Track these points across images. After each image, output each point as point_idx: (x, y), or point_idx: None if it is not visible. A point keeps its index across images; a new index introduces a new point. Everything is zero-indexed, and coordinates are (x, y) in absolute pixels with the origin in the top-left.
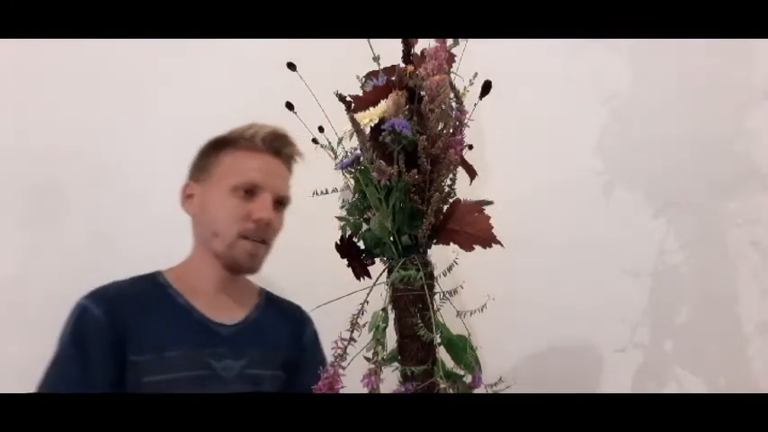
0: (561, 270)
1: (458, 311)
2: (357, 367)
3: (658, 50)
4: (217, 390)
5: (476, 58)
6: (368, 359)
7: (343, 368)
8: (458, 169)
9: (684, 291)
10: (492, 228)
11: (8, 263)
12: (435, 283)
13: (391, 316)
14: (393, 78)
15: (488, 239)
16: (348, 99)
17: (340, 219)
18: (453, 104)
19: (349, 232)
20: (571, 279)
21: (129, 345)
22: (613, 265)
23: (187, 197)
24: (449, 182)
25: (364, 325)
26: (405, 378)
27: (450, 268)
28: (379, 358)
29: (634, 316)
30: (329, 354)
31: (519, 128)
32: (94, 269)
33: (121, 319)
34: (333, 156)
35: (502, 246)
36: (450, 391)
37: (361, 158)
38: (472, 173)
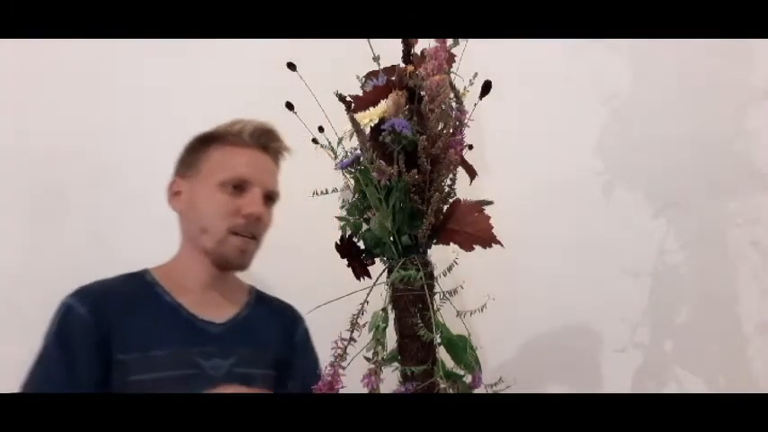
0: (561, 270)
1: (458, 311)
2: (357, 367)
3: (658, 50)
4: (205, 389)
5: (476, 58)
6: (368, 359)
7: (343, 368)
8: (458, 169)
9: (684, 291)
10: (492, 228)
11: (8, 262)
12: (435, 283)
13: (391, 316)
14: (393, 78)
15: (488, 239)
16: (348, 99)
17: (340, 219)
18: (453, 104)
19: (349, 232)
20: (571, 279)
21: (114, 343)
22: (613, 265)
23: (174, 194)
24: (449, 182)
25: (364, 325)
26: (405, 378)
27: (450, 268)
28: (379, 358)
29: (634, 316)
30: (329, 354)
31: (519, 128)
32: (94, 269)
33: (107, 318)
34: (333, 156)
35: (502, 246)
36: (450, 391)
37: (361, 158)
38: (472, 173)
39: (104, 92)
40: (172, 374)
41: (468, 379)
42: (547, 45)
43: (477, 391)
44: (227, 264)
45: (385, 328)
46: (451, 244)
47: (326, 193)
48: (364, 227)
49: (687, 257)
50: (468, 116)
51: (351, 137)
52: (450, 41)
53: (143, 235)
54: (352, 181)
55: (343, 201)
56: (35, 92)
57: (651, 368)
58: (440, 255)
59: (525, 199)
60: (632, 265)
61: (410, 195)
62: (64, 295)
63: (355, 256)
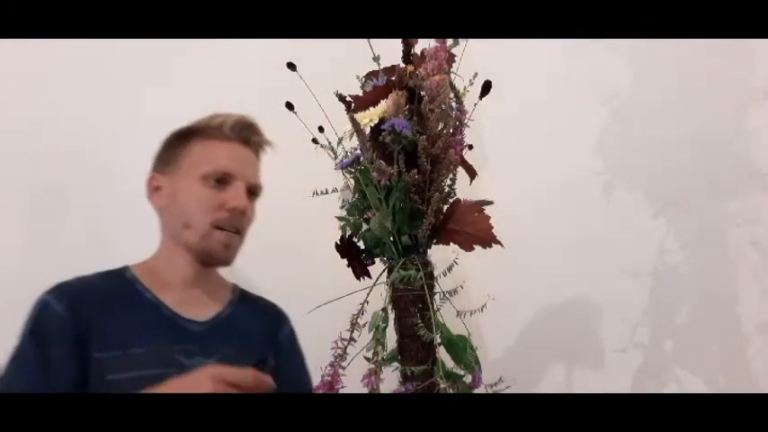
0: (561, 270)
1: (458, 311)
2: (357, 367)
3: (658, 50)
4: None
5: (476, 58)
6: (368, 359)
7: (343, 368)
8: (458, 169)
9: (684, 291)
10: (492, 228)
11: (8, 262)
12: (435, 283)
13: (391, 316)
14: (393, 78)
15: (488, 239)
16: (348, 99)
17: (340, 219)
18: (453, 104)
19: (349, 232)
20: (571, 279)
21: (92, 341)
22: (613, 265)
23: (154, 190)
24: (449, 182)
25: (364, 325)
26: (405, 378)
27: (450, 268)
28: (379, 358)
29: (634, 316)
30: (329, 354)
31: (519, 128)
32: (94, 269)
33: (85, 315)
34: (333, 156)
35: (502, 246)
36: (450, 391)
37: (361, 158)
38: (472, 173)
39: (104, 92)
40: (152, 373)
41: (468, 379)
42: (547, 45)
43: (477, 391)
44: (210, 259)
45: (385, 328)
46: (451, 244)
47: (326, 193)
48: (364, 227)
49: (687, 257)
50: (468, 116)
51: (351, 137)
52: (450, 41)
53: (143, 235)
54: (352, 181)
55: (343, 201)
56: (35, 92)
57: (651, 368)
58: (440, 255)
59: (525, 199)
60: (632, 265)
61: (410, 195)
62: None
63: (355, 256)
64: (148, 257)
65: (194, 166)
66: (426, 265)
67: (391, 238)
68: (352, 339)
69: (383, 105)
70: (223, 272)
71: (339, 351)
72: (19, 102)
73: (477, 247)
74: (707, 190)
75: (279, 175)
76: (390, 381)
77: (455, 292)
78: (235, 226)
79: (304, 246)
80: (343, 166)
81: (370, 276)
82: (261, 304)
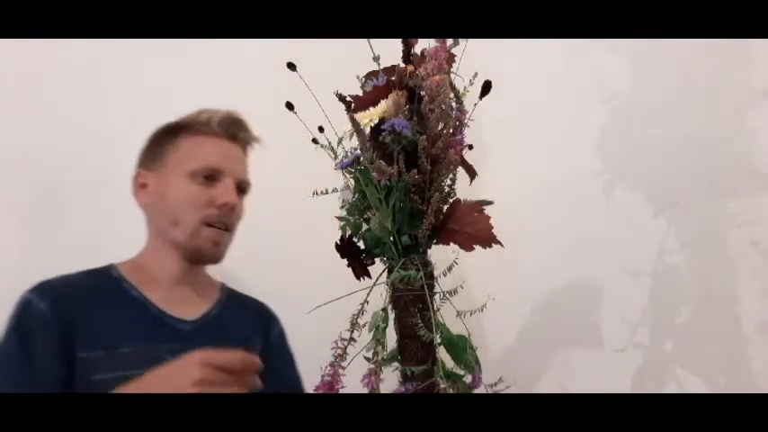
0: (561, 270)
1: (458, 311)
2: (357, 367)
3: (658, 50)
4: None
5: (476, 58)
6: (368, 359)
7: (343, 368)
8: (458, 169)
9: (684, 291)
10: (492, 228)
11: (8, 262)
12: (435, 283)
13: (391, 316)
14: (393, 78)
15: (488, 239)
16: (348, 99)
17: (340, 219)
18: (453, 104)
19: (349, 232)
20: (571, 279)
21: (77, 341)
22: (613, 265)
23: (140, 187)
24: (449, 182)
25: (364, 325)
26: (405, 378)
27: (450, 268)
28: (379, 358)
29: (634, 316)
30: (329, 354)
31: (519, 128)
32: None
33: (69, 314)
34: (333, 156)
35: (502, 246)
36: (451, 391)
37: (361, 158)
38: (472, 173)
39: (104, 92)
40: (138, 373)
41: (468, 379)
42: (547, 45)
43: (477, 391)
44: (199, 257)
45: (385, 328)
46: (451, 244)
47: (326, 193)
48: (364, 227)
49: (687, 257)
50: (468, 116)
51: (351, 137)
52: (450, 41)
53: (143, 235)
54: (352, 181)
55: (343, 201)
56: (35, 92)
57: (651, 368)
58: (440, 255)
59: (525, 199)
60: (632, 265)
61: (410, 195)
62: None
63: (355, 256)
64: (134, 255)
65: (182, 163)
66: (426, 265)
67: (391, 238)
68: (352, 339)
69: (383, 105)
70: (222, 272)
71: (339, 351)
72: (19, 102)
73: (477, 247)
74: (707, 190)
75: (279, 175)
76: (390, 381)
77: (455, 292)
78: (224, 223)
79: (304, 246)
80: (343, 166)
81: (370, 276)
82: (251, 304)
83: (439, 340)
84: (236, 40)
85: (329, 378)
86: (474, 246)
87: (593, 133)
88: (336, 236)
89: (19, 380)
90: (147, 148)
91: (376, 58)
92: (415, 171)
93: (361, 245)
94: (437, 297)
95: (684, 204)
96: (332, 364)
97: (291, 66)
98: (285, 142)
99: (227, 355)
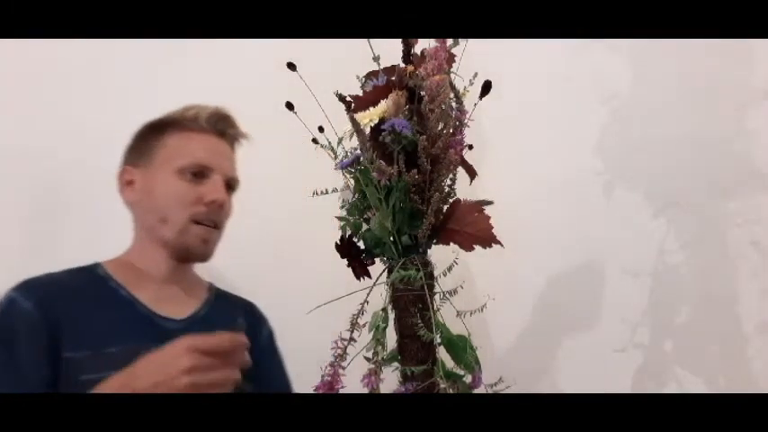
0: (561, 270)
1: (458, 311)
2: (357, 367)
3: (658, 50)
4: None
5: (476, 58)
6: (368, 359)
7: (343, 368)
8: (458, 169)
9: (684, 291)
10: (492, 228)
11: (8, 262)
12: (435, 283)
13: (391, 316)
14: (393, 78)
15: (488, 239)
16: (348, 99)
17: (340, 219)
18: (453, 104)
19: (349, 232)
20: (571, 279)
21: (63, 340)
22: (613, 265)
23: (126, 184)
24: (449, 182)
25: (364, 325)
26: (405, 378)
27: (450, 268)
28: (379, 358)
29: (634, 316)
30: (329, 354)
31: (519, 128)
32: None
33: (54, 313)
34: (333, 156)
35: (502, 246)
36: (451, 391)
37: (361, 158)
38: (472, 173)
39: (104, 92)
40: None
41: (468, 379)
42: (547, 45)
43: (477, 391)
44: (188, 255)
45: (385, 328)
46: (451, 244)
47: (326, 193)
48: (364, 227)
49: (687, 257)
50: (468, 116)
51: (351, 137)
52: (450, 41)
53: None
54: (352, 181)
55: (343, 201)
56: (35, 92)
57: (651, 368)
58: (440, 255)
59: (525, 199)
60: (632, 265)
61: (410, 195)
62: None
63: (355, 256)
64: (120, 254)
65: (170, 159)
66: (426, 265)
67: (391, 238)
68: (352, 339)
69: (383, 105)
70: (222, 272)
71: (339, 351)
72: (19, 102)
73: (477, 247)
74: (707, 190)
75: (279, 175)
76: (390, 381)
77: (455, 292)
78: (213, 220)
79: (304, 246)
80: (343, 166)
81: (370, 276)
82: (239, 304)
83: (439, 340)
84: (237, 40)
85: (329, 378)
86: (474, 246)
87: (593, 133)
88: (336, 236)
89: (2, 381)
90: (132, 144)
91: (376, 58)
92: (415, 171)
93: (361, 245)
94: (437, 297)
95: (684, 204)
96: (332, 364)
97: (291, 66)
98: (285, 142)
99: (213, 338)
